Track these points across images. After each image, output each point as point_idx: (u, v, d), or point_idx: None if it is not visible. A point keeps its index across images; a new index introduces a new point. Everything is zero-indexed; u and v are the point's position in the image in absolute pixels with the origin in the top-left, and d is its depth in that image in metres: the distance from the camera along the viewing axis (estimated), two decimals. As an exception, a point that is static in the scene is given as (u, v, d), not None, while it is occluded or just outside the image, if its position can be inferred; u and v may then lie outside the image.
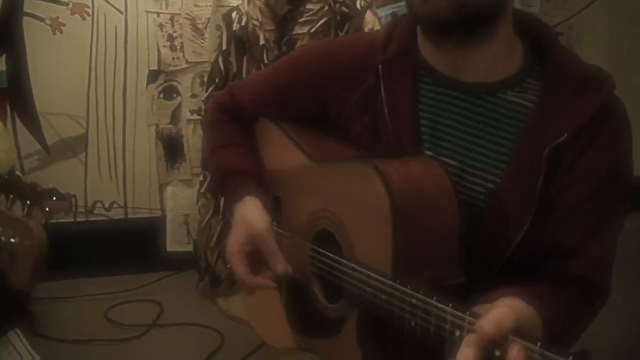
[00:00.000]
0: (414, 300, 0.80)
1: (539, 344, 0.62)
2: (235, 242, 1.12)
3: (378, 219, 0.90)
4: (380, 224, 0.89)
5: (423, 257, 0.90)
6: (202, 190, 2.39)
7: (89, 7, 2.62)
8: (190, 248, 2.67)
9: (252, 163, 1.23)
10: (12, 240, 1.38)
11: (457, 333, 0.73)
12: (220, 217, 2.28)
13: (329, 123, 1.13)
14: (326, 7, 2.18)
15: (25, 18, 2.55)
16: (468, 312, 0.72)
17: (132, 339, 2.19)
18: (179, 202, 2.77)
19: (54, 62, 2.61)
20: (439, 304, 0.76)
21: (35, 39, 2.58)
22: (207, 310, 2.39)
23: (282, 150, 1.19)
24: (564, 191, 0.94)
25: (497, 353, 0.66)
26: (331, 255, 1.01)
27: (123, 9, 2.66)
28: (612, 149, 0.94)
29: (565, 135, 0.92)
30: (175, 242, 2.76)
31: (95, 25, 2.64)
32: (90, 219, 2.73)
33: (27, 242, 1.37)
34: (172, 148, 2.74)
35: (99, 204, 2.73)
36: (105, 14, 2.64)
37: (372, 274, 0.90)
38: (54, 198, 1.92)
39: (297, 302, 1.17)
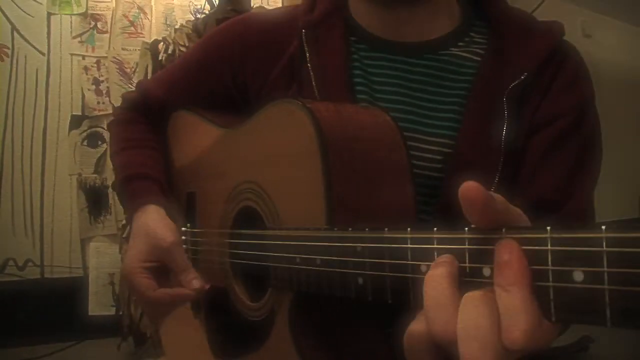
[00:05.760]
0: (359, 247, 0.58)
1: (548, 228, 0.40)
2: (135, 257, 0.91)
3: (304, 165, 0.69)
4: (308, 169, 0.68)
5: (365, 202, 0.69)
6: (124, 235, 2.14)
7: (8, 48, 2.46)
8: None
9: (157, 167, 1.04)
10: None
11: (424, 269, 0.49)
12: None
13: (252, 103, 0.96)
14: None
15: None
16: (435, 228, 0.48)
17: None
18: (104, 260, 2.50)
19: (-33, 106, 2.41)
20: (391, 235, 0.53)
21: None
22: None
23: (197, 136, 1.01)
24: (534, 134, 0.83)
25: (486, 273, 0.44)
26: (248, 232, 0.80)
27: (46, 51, 2.49)
28: (579, 83, 0.86)
29: (525, 73, 0.83)
30: (99, 304, 2.49)
31: (14, 66, 2.47)
32: (1, 279, 2.44)
33: None
34: (96, 199, 2.51)
35: (11, 262, 2.45)
36: (26, 56, 2.48)
37: (301, 234, 0.67)
38: None
39: (219, 319, 0.94)
